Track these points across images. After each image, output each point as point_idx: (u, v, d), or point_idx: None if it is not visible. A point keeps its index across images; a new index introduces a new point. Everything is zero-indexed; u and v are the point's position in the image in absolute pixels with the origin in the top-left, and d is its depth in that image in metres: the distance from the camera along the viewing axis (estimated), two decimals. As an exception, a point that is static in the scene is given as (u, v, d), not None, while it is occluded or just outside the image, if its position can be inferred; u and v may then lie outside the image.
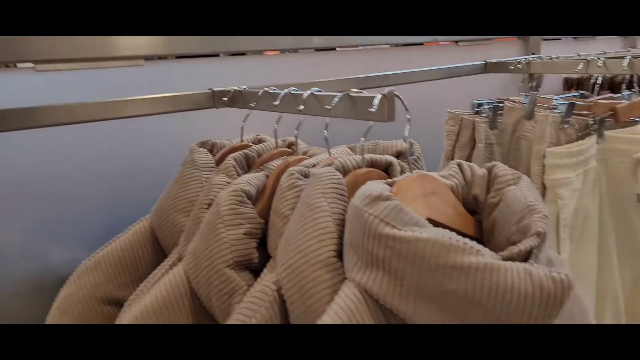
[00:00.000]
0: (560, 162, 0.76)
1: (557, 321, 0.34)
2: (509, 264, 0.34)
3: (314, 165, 0.51)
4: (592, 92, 1.04)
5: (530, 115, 0.83)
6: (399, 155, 0.56)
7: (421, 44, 1.22)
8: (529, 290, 0.33)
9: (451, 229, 0.42)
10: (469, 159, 0.92)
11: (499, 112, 0.87)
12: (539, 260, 0.38)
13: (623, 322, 0.89)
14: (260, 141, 0.68)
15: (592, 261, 0.83)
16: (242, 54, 0.91)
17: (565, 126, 0.80)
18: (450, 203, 0.44)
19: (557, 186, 0.76)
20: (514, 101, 0.89)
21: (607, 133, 0.81)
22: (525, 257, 0.37)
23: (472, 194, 0.46)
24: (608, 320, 0.87)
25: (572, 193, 0.77)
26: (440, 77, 1.04)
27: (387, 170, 0.50)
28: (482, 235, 0.46)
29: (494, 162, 0.47)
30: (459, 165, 0.48)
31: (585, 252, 0.82)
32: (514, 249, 0.36)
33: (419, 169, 0.55)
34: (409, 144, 0.57)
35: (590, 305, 0.85)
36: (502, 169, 0.46)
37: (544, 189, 0.77)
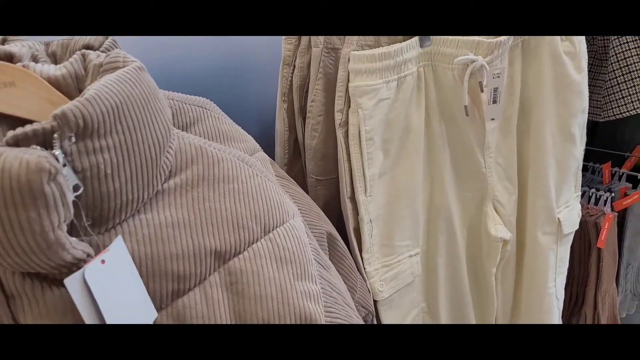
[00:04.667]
0: (362, 66, 0.68)
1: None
2: None
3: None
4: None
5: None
6: (89, 47, 0.51)
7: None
8: None
9: (23, 120, 0.39)
10: (309, 63, 0.85)
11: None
12: (78, 145, 0.34)
13: (457, 239, 0.84)
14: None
15: (416, 177, 0.76)
16: None
17: (384, 27, 0.71)
18: (36, 93, 0.40)
19: (358, 94, 0.68)
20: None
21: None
22: (42, 141, 0.33)
23: (86, 84, 0.42)
24: (440, 238, 0.82)
25: (378, 102, 0.70)
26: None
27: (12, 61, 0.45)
28: None
29: (115, 51, 0.42)
30: (83, 55, 0.43)
31: (409, 168, 0.75)
32: (14, 132, 0.33)
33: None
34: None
35: (420, 222, 0.80)
36: (114, 56, 0.41)
37: (349, 98, 0.70)
